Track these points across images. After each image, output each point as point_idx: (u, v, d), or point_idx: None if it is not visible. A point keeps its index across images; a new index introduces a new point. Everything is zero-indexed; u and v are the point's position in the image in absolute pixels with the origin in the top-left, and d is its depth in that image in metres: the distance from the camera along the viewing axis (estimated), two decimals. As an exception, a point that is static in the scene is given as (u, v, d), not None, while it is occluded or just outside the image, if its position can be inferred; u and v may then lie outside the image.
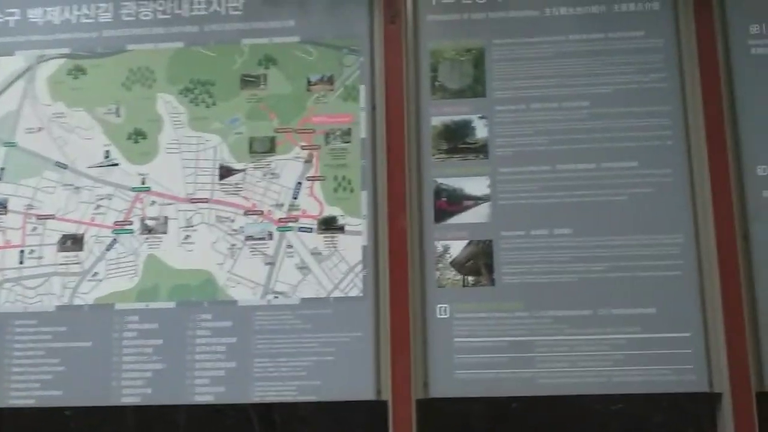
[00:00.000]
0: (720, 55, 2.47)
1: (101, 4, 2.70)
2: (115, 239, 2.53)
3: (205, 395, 2.40)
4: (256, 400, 2.40)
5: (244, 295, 2.46)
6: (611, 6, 2.56)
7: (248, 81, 2.58)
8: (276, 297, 2.44)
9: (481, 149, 2.51)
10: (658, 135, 2.46)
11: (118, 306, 2.46)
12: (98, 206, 2.56)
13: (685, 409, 2.98)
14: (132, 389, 2.42)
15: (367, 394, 2.36)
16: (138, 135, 2.59)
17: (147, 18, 2.66)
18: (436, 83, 2.55)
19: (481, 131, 2.52)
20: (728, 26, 2.50)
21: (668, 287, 2.38)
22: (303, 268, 2.45)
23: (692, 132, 2.45)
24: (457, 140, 2.53)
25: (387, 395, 2.34)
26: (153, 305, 2.47)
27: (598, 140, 2.48)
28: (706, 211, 2.39)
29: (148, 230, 2.53)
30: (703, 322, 2.35)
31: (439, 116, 2.54)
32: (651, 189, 2.43)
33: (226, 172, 2.53)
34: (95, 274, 2.50)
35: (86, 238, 2.54)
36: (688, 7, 2.51)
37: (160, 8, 2.66)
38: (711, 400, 2.35)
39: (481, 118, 2.53)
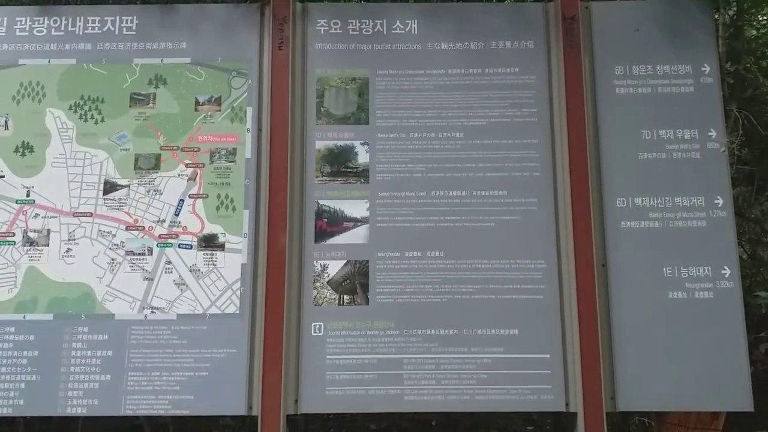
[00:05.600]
0: (587, 93, 2.70)
1: (-4, 19, 2.81)
2: (-4, 250, 2.61)
3: (77, 407, 2.48)
4: (128, 413, 2.48)
5: (121, 309, 2.56)
6: (489, 43, 2.79)
7: (137, 99, 2.71)
8: (153, 312, 2.55)
9: (362, 173, 2.68)
10: (526, 167, 2.68)
11: (-5, 317, 2.54)
12: (-20, 217, 2.63)
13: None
14: (5, 400, 2.48)
15: (238, 409, 2.47)
16: (25, 148, 2.68)
17: (40, 34, 2.78)
18: (322, 109, 2.73)
19: (362, 157, 2.70)
20: (595, 67, 2.76)
21: (531, 310, 2.57)
22: (181, 284, 2.57)
23: (558, 165, 2.67)
24: (339, 164, 2.70)
25: (257, 411, 2.45)
26: (30, 317, 2.55)
27: (471, 169, 2.68)
28: (567, 240, 2.60)
29: (30, 242, 2.61)
30: (562, 345, 2.55)
31: (323, 140, 2.71)
32: (518, 217, 2.64)
33: (110, 187, 2.64)
34: (-27, 284, 2.57)
35: (-34, 248, 2.61)
36: (558, 47, 2.75)
37: (55, 24, 2.78)
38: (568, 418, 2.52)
39: (364, 144, 2.70)
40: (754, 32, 3.35)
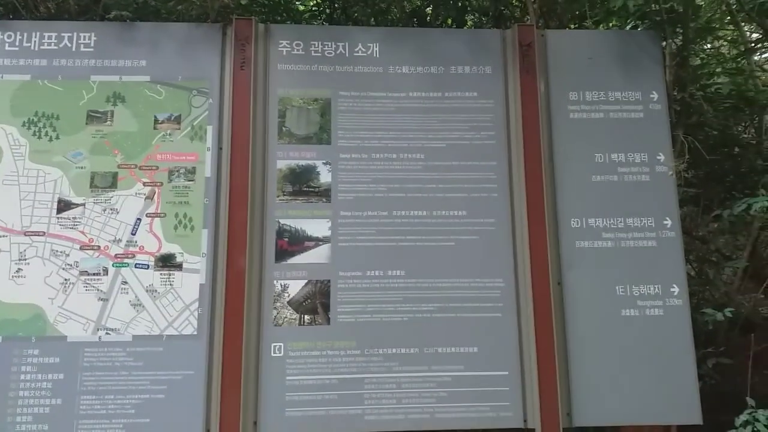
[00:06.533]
0: (542, 117, 2.79)
1: (-53, 32, 2.74)
2: (-61, 270, 2.51)
3: (26, 434, 2.39)
4: (79, 439, 2.40)
5: (74, 331, 2.49)
6: (449, 68, 2.86)
7: (94, 117, 2.67)
8: (108, 333, 2.49)
9: (324, 193, 2.70)
10: (484, 188, 2.75)
11: (-63, 340, 2.44)
12: (-76, 236, 2.54)
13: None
14: (-53, 428, 2.37)
15: (195, 433, 2.42)
16: (-25, 165, 2.60)
17: (-7, 49, 2.71)
18: (284, 128, 2.74)
19: (325, 176, 2.71)
20: (550, 92, 2.85)
21: (489, 328, 2.62)
22: (137, 305, 2.52)
23: (515, 186, 2.74)
24: (301, 183, 2.71)
25: (215, 434, 2.41)
26: (-23, 340, 2.45)
27: (431, 190, 2.73)
28: (524, 259, 2.66)
29: (-23, 262, 2.52)
30: (520, 362, 2.60)
31: (285, 160, 2.72)
32: (476, 236, 2.70)
33: (64, 206, 2.59)
34: None
35: None
36: (515, 73, 2.84)
37: (9, 39, 2.73)
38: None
39: (326, 164, 2.72)
40: (699, 61, 3.52)
